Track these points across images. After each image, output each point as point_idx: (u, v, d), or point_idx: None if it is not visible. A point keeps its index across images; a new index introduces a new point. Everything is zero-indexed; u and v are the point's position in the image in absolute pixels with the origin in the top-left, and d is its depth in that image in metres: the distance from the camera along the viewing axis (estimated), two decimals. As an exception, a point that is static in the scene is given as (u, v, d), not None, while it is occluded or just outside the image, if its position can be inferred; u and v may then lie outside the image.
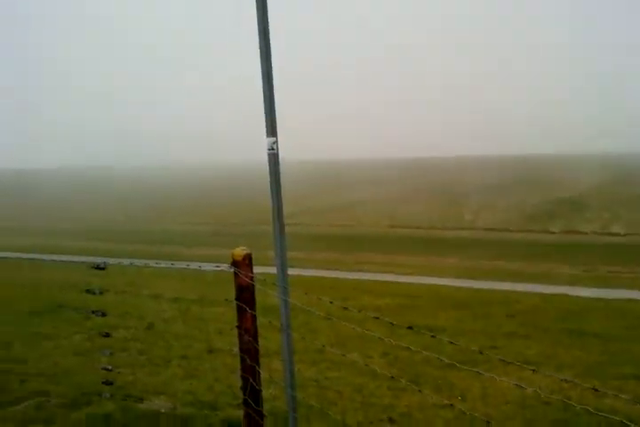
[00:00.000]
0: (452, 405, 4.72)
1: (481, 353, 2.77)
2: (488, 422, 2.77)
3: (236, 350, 3.96)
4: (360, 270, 23.52)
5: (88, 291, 5.09)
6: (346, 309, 3.79)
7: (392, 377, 3.43)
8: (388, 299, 13.62)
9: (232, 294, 3.95)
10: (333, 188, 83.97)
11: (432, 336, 2.92)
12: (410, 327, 2.87)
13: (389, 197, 66.61)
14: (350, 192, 73.71)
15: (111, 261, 5.40)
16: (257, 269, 3.91)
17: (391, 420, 4.86)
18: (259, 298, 3.91)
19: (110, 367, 5.10)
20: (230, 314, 5.70)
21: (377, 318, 3.16)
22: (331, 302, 3.38)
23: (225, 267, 3.85)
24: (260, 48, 3.37)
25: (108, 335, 5.26)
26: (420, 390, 4.03)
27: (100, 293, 5.01)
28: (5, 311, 9.52)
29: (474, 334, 9.34)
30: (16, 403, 4.98)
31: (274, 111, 3.43)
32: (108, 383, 5.02)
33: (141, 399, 5.03)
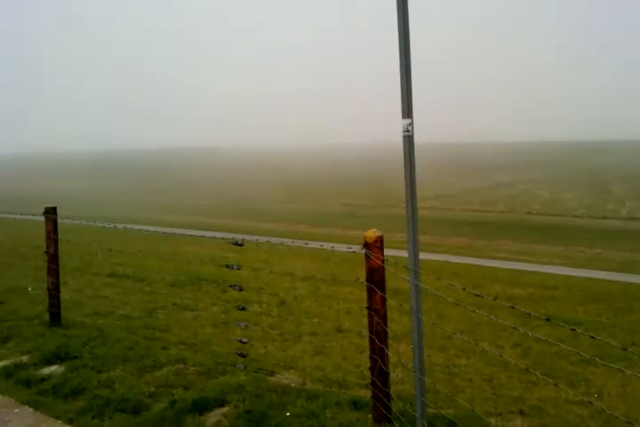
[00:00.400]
0: (590, 402, 4.50)
1: (624, 349, 2.61)
2: (629, 423, 2.60)
3: (365, 330, 4.00)
4: (492, 258, 22.91)
5: (227, 266, 5.33)
6: (478, 296, 3.71)
7: (526, 369, 3.31)
8: (521, 289, 13.18)
9: (362, 274, 3.99)
10: (467, 172, 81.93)
11: (572, 329, 2.79)
12: (548, 319, 2.76)
13: (528, 181, 64.03)
14: (485, 176, 71.64)
15: (248, 238, 5.61)
16: (386, 252, 3.92)
17: (522, 412, 4.73)
18: (387, 280, 3.92)
19: (245, 340, 5.33)
20: (359, 294, 5.77)
21: (513, 307, 3.07)
22: (463, 289, 3.32)
23: (357, 248, 3.89)
24: (399, 28, 3.34)
25: (243, 309, 5.49)
26: (555, 384, 3.87)
27: (238, 268, 5.23)
28: (151, 282, 10.18)
29: (613, 330, 8.85)
30: (158, 368, 5.32)
31: (410, 92, 3.39)
32: (242, 355, 5.25)
33: (272, 373, 5.21)
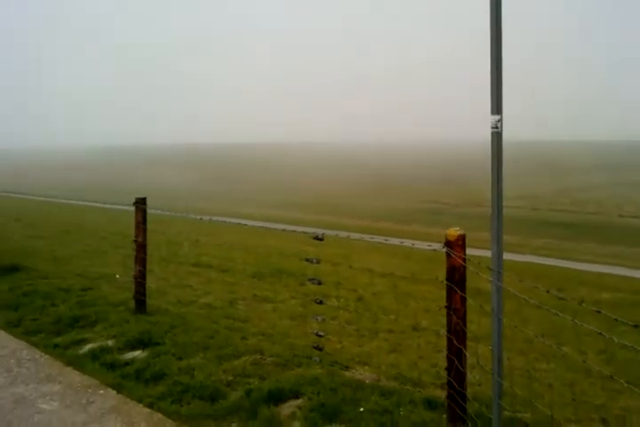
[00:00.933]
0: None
1: None
2: None
3: (443, 330, 3.94)
4: (579, 260, 22.09)
5: (307, 260, 5.37)
6: (562, 299, 3.57)
7: (610, 376, 3.17)
8: (609, 293, 12.65)
9: (441, 273, 3.93)
10: (555, 171, 79.24)
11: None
12: (635, 326, 2.63)
13: (621, 183, 61.29)
14: (574, 176, 69.10)
15: (328, 232, 5.63)
16: (468, 251, 3.84)
17: (604, 421, 4.54)
18: (468, 280, 3.84)
19: (322, 333, 5.35)
20: (439, 293, 5.69)
21: (598, 311, 2.94)
22: (547, 292, 3.21)
23: (437, 246, 3.83)
24: (491, 25, 3.26)
25: (321, 303, 5.52)
26: (641, 395, 3.70)
27: (317, 262, 5.26)
28: (233, 273, 10.40)
29: None
30: (236, 357, 5.43)
31: (500, 87, 3.29)
32: (318, 348, 5.28)
33: (347, 367, 5.22)
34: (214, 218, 7.69)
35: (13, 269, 9.10)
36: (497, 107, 3.29)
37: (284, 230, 6.03)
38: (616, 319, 2.86)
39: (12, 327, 6.40)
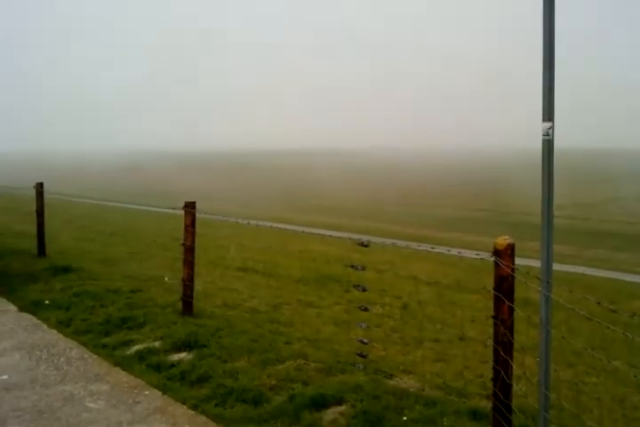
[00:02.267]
0: None
1: None
2: None
3: (490, 340, 3.88)
4: (632, 272, 21.45)
5: (352, 266, 5.37)
6: (614, 311, 3.49)
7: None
8: (663, 307, 12.24)
9: (488, 282, 3.87)
10: (608, 179, 77.29)
11: None
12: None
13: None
14: (627, 185, 67.29)
15: (374, 239, 5.61)
16: (517, 261, 3.77)
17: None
18: (516, 290, 3.78)
19: (366, 341, 5.33)
20: (484, 303, 5.61)
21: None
22: (598, 303, 3.13)
23: (486, 256, 3.78)
24: (544, 28, 3.21)
25: (366, 310, 5.50)
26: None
27: (362, 269, 5.25)
28: (278, 277, 10.46)
29: None
30: (280, 362, 5.44)
31: (552, 93, 3.24)
32: (362, 355, 5.26)
33: (391, 376, 5.18)
34: (261, 223, 7.75)
35: (66, 269, 9.33)
36: (548, 114, 3.24)
37: (330, 236, 6.04)
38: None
39: (64, 327, 6.56)
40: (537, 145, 3.36)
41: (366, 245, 4.95)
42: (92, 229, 18.66)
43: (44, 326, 6.59)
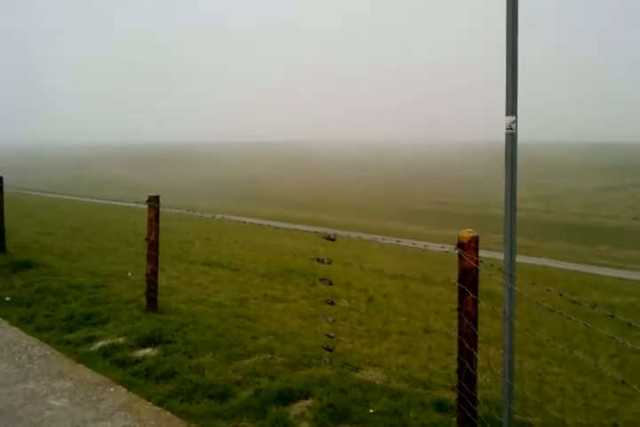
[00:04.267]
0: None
1: None
2: None
3: (454, 332, 3.92)
4: (592, 264, 21.94)
5: (318, 260, 5.36)
6: (575, 303, 3.54)
7: (622, 381, 3.14)
8: (622, 297, 12.55)
9: (454, 275, 3.91)
10: (569, 172, 78.73)
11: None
12: (649, 331, 2.60)
13: (636, 185, 60.78)
14: (586, 178, 68.62)
15: (340, 233, 5.61)
16: (480, 253, 3.82)
17: (615, 426, 4.50)
18: (480, 282, 3.82)
19: (332, 334, 5.34)
20: (450, 295, 5.67)
21: (612, 316, 2.91)
22: (560, 295, 3.18)
23: (450, 248, 3.81)
24: (507, 23, 3.24)
25: (332, 303, 5.51)
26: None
27: (328, 262, 5.25)
28: (244, 272, 10.42)
29: None
30: (247, 357, 5.43)
31: (516, 88, 3.27)
32: (328, 349, 5.27)
33: (357, 369, 5.21)
34: (226, 217, 7.69)
35: (27, 265, 9.14)
36: (512, 108, 3.26)
37: (295, 230, 6.03)
38: (629, 324, 2.83)
39: (25, 324, 6.44)
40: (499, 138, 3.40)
41: (332, 239, 4.95)
42: (54, 223, 18.33)
43: (5, 324, 6.45)
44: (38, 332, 6.16)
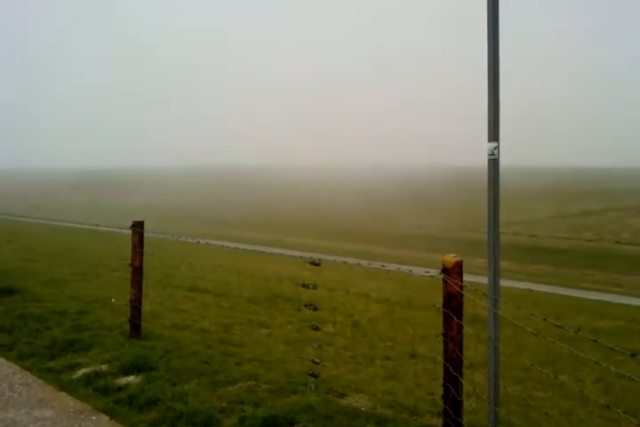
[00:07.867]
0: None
1: None
2: None
3: (440, 357, 3.92)
4: (576, 287, 22.03)
5: (303, 285, 5.36)
6: (559, 327, 3.56)
7: (607, 406, 3.14)
8: (606, 321, 12.58)
9: (439, 299, 3.92)
10: (553, 197, 79.46)
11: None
12: (633, 355, 2.62)
13: (618, 209, 61.40)
14: (571, 203, 69.27)
15: (325, 258, 5.61)
16: (465, 277, 3.83)
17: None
18: (465, 307, 3.83)
19: (317, 360, 5.31)
20: (435, 320, 5.67)
21: (595, 340, 2.93)
22: (544, 319, 3.20)
23: (435, 273, 3.83)
24: (488, 52, 3.30)
25: (317, 329, 5.49)
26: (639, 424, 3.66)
27: (314, 287, 5.24)
28: (229, 297, 10.36)
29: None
30: (231, 383, 5.36)
31: (498, 115, 3.32)
32: (313, 375, 5.23)
33: (343, 395, 5.17)
34: (211, 242, 7.67)
35: (9, 291, 9.04)
36: (494, 134, 3.31)
37: (280, 255, 6.03)
38: (612, 348, 2.85)
39: (6, 351, 6.33)
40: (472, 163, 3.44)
41: (317, 264, 4.95)
42: (37, 249, 18.16)
43: (-15, 351, 6.34)
44: (20, 359, 6.06)
